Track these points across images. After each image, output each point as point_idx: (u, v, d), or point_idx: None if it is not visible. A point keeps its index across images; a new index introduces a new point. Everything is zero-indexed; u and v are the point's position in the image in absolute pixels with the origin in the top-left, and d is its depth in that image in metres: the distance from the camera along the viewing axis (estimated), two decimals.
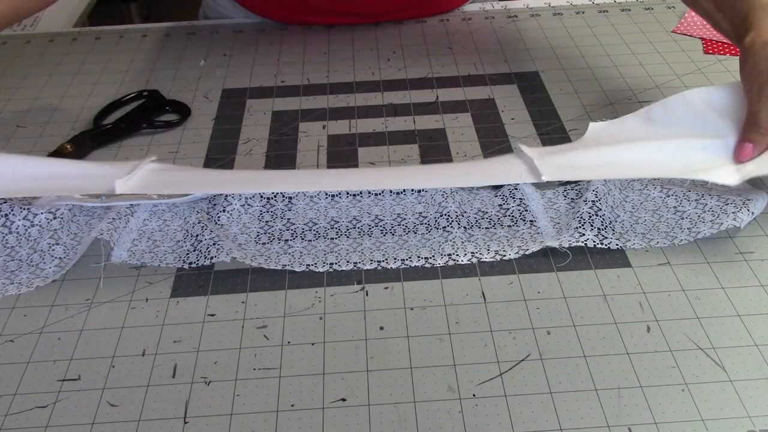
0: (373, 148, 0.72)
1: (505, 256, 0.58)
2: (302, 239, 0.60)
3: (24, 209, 0.60)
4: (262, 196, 0.64)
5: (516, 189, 0.63)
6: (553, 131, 0.73)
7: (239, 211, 0.62)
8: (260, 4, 0.94)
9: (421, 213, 0.62)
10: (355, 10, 0.91)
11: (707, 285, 0.56)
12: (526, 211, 0.61)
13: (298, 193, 0.64)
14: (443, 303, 0.55)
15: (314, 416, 0.48)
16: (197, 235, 0.59)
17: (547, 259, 0.59)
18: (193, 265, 0.58)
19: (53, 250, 0.59)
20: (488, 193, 0.63)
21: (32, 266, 0.59)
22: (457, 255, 0.58)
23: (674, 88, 0.78)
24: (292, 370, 0.51)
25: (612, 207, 0.60)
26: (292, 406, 0.49)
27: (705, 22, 0.87)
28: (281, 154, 0.71)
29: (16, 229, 0.60)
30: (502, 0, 0.99)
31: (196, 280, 0.58)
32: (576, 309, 0.54)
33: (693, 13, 0.91)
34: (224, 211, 0.62)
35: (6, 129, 0.78)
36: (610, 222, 0.59)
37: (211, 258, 0.58)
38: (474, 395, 0.49)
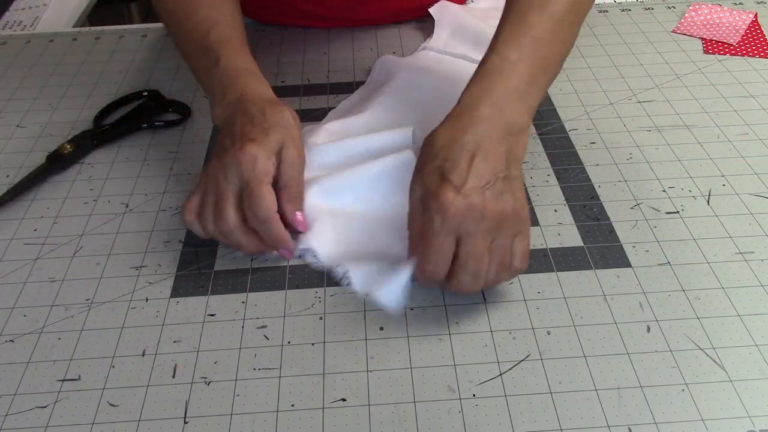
0: None
1: None
2: None
3: None
4: None
5: None
6: (553, 131, 0.73)
7: None
8: (259, 11, 0.94)
9: None
10: (354, 17, 0.92)
11: (707, 285, 0.56)
12: None
13: None
14: (444, 303, 0.55)
15: (314, 416, 0.48)
16: None
17: (547, 259, 0.59)
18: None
19: None
20: None
21: None
22: None
23: (674, 88, 0.78)
24: (292, 370, 0.51)
25: None
26: (292, 406, 0.49)
27: (705, 22, 0.87)
28: None
29: None
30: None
31: (196, 280, 0.58)
32: (576, 309, 0.54)
33: (693, 13, 0.91)
34: None
35: (6, 129, 0.78)
36: None
37: None
38: (474, 395, 0.49)
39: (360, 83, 0.82)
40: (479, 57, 0.79)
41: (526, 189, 0.65)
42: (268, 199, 0.55)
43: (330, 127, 0.70)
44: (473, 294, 0.54)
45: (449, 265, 0.52)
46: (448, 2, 0.92)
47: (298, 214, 0.59)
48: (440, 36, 0.88)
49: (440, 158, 0.52)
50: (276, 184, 0.58)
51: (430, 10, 0.91)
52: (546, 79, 0.60)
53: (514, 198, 0.52)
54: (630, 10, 0.95)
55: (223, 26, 0.67)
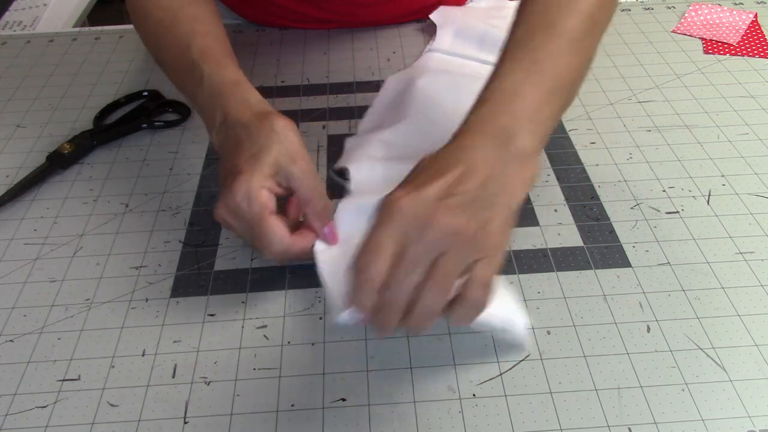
0: None
1: None
2: None
3: None
4: None
5: None
6: (553, 131, 0.73)
7: None
8: (259, 15, 0.94)
9: None
10: (354, 20, 0.92)
11: (707, 285, 0.56)
12: None
13: None
14: None
15: (314, 416, 0.48)
16: None
17: (547, 259, 0.59)
18: None
19: None
20: None
21: None
22: None
23: (674, 88, 0.78)
24: (292, 370, 0.51)
25: None
26: (292, 406, 0.49)
27: (705, 22, 0.87)
28: None
29: None
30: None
31: (196, 280, 0.58)
32: (576, 309, 0.54)
33: (693, 13, 0.91)
34: None
35: (6, 129, 0.78)
36: None
37: None
38: (474, 395, 0.49)
39: (360, 83, 0.82)
40: (485, 57, 0.79)
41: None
42: (276, 234, 0.52)
43: (382, 137, 0.68)
44: (408, 326, 0.44)
45: (382, 275, 0.43)
46: (448, 8, 0.92)
47: (326, 229, 0.55)
48: (444, 37, 0.87)
49: (418, 170, 0.48)
50: (285, 200, 0.56)
51: (431, 16, 0.91)
52: (558, 103, 0.54)
53: (485, 221, 0.44)
54: (630, 10, 0.95)
55: (203, 37, 0.63)
